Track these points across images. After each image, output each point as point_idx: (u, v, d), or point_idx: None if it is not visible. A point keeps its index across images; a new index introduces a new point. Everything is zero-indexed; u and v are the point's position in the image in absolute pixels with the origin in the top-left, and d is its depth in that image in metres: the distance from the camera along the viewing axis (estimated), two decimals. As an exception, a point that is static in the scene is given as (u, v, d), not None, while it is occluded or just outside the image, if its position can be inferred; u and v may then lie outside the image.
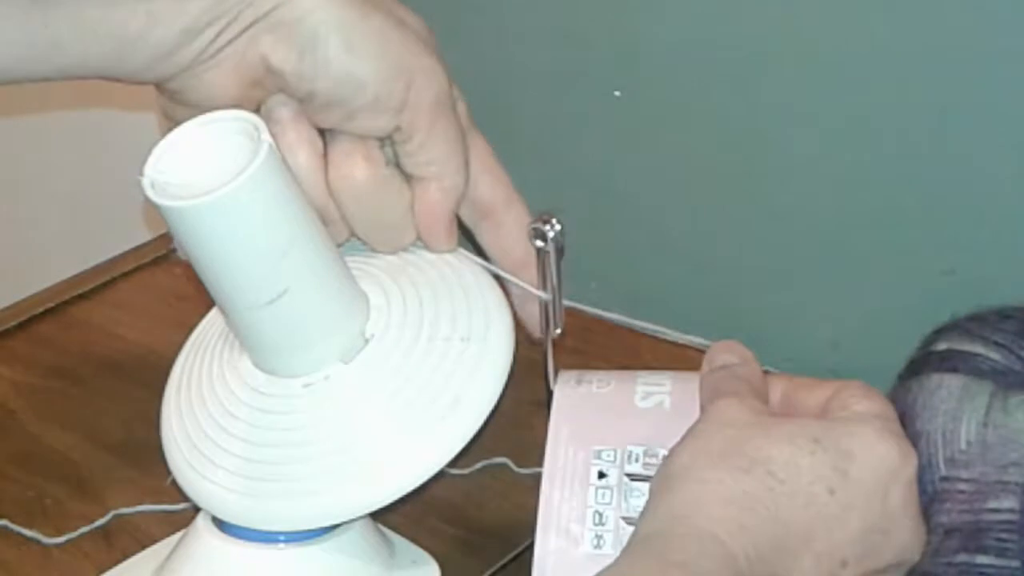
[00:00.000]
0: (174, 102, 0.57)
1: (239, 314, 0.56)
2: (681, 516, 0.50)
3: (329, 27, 0.54)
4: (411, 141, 0.57)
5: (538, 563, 0.54)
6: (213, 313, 0.64)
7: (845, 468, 0.52)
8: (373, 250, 0.60)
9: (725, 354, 0.58)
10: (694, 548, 0.49)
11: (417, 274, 0.60)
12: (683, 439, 0.53)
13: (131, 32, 0.54)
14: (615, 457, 0.55)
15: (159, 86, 0.57)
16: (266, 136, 0.53)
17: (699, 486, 0.51)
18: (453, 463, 0.62)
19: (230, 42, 0.55)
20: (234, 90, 0.56)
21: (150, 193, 0.52)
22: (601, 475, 0.55)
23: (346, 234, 0.59)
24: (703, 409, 0.55)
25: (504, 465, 0.71)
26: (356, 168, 0.57)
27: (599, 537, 0.54)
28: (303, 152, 0.56)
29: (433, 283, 0.60)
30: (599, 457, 0.56)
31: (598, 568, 0.49)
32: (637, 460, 0.55)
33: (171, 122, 0.57)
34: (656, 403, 0.57)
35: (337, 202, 0.58)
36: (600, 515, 0.55)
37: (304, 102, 0.56)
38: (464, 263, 0.62)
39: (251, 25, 0.54)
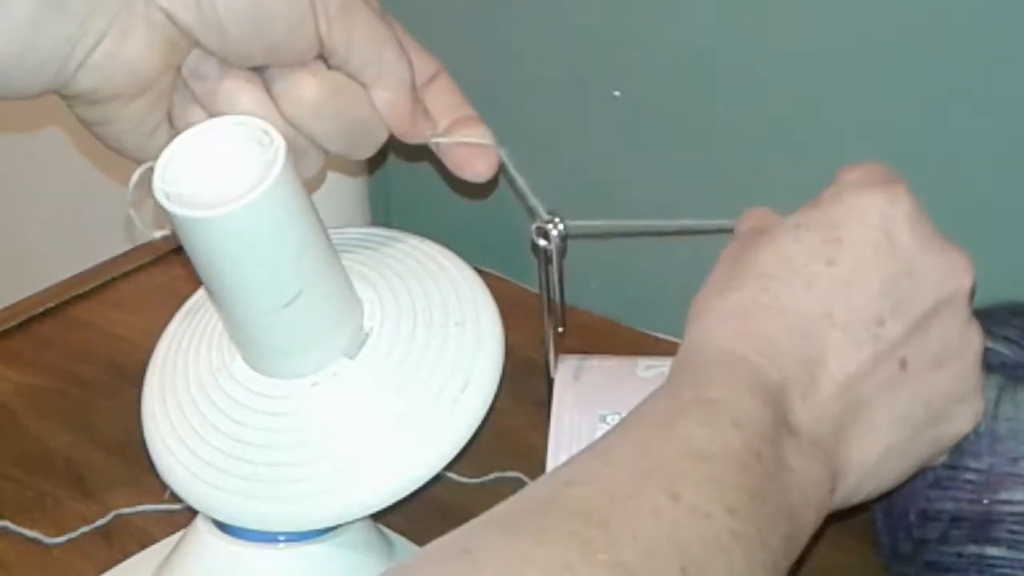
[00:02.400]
0: (92, 103, 0.56)
1: (252, 319, 0.56)
2: (687, 354, 0.50)
3: None
4: (337, 53, 0.55)
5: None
6: (175, 325, 0.64)
7: (836, 236, 0.50)
8: (354, 158, 0.59)
9: (748, 221, 0.57)
10: (704, 369, 0.48)
11: (398, 265, 0.61)
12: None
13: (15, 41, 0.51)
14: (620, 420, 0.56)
15: (67, 97, 0.55)
16: (279, 138, 0.53)
17: (699, 322, 0.51)
18: (463, 472, 0.63)
19: (123, 11, 0.52)
20: (156, 57, 0.54)
21: (167, 205, 0.52)
22: None
23: (322, 159, 0.58)
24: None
25: (516, 478, 0.70)
26: (303, 87, 0.55)
27: None
28: (245, 95, 0.55)
29: (416, 272, 0.61)
30: (604, 421, 0.56)
31: None
32: None
33: (105, 128, 0.57)
34: (658, 373, 0.58)
35: (301, 130, 0.56)
36: None
37: (222, 52, 0.54)
38: (437, 250, 0.63)
39: None
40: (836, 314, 0.49)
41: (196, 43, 0.54)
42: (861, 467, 0.50)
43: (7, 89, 0.54)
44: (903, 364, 0.50)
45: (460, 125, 0.59)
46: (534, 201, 0.60)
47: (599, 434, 0.55)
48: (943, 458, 0.53)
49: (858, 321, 0.49)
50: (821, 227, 0.51)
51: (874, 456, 0.50)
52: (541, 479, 0.46)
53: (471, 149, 0.59)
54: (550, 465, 0.56)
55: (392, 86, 0.56)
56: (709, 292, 0.52)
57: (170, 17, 0.53)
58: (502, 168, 0.60)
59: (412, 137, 0.58)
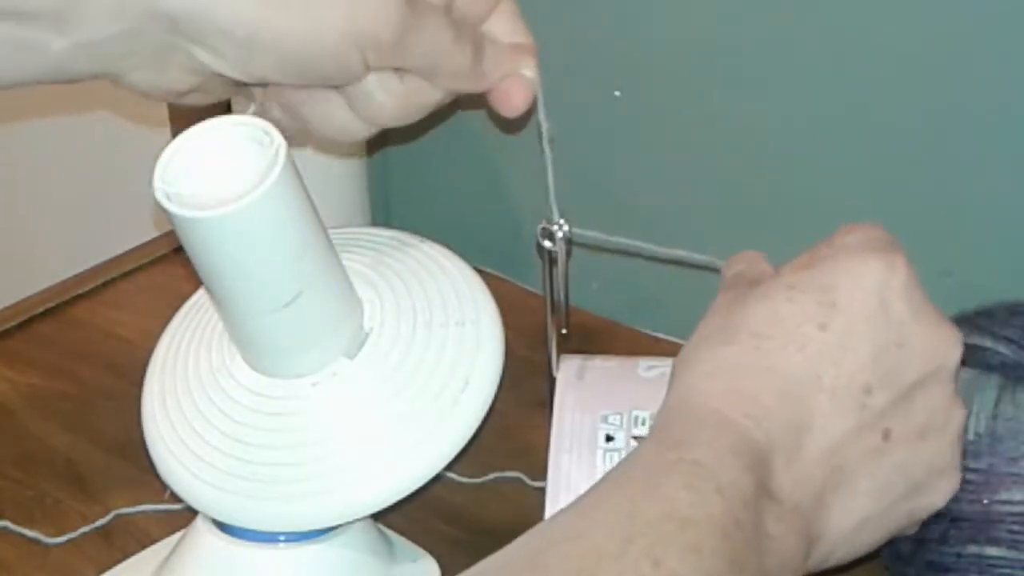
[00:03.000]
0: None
1: (252, 319, 0.56)
2: (673, 407, 0.49)
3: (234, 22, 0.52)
4: (396, 66, 0.56)
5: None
6: (175, 325, 0.64)
7: (831, 300, 0.50)
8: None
9: (736, 265, 0.57)
10: (691, 428, 0.48)
11: (397, 264, 0.61)
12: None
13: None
14: (622, 421, 0.56)
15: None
16: (279, 138, 0.53)
17: (688, 374, 0.50)
18: (463, 472, 0.63)
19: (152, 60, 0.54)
20: (186, 84, 0.55)
21: (168, 205, 0.52)
22: (609, 438, 0.55)
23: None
24: None
25: (516, 478, 0.70)
26: (377, 103, 0.56)
27: None
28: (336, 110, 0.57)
29: (415, 272, 0.61)
30: (606, 421, 0.56)
31: None
32: (644, 423, 0.55)
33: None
34: (659, 374, 0.58)
35: (376, 124, 0.58)
36: None
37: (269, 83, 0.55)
38: (437, 250, 0.63)
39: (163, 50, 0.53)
40: (825, 379, 0.49)
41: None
42: (837, 534, 0.50)
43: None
44: (887, 435, 0.50)
45: (512, 52, 0.59)
46: (553, 198, 0.60)
47: (600, 435, 0.55)
48: (914, 529, 0.53)
49: (846, 388, 0.49)
50: (816, 289, 0.50)
51: (851, 524, 0.50)
52: (534, 531, 0.46)
53: (511, 82, 0.59)
54: (551, 467, 0.56)
55: (453, 81, 0.57)
56: (699, 343, 0.51)
57: (213, 71, 0.54)
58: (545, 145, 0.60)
59: (509, 111, 0.59)
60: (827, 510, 0.49)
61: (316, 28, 0.52)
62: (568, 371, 0.59)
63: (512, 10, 0.60)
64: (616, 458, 0.55)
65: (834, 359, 0.49)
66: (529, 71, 0.59)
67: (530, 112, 0.60)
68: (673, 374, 0.51)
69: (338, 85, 0.56)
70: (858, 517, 0.50)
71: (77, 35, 0.52)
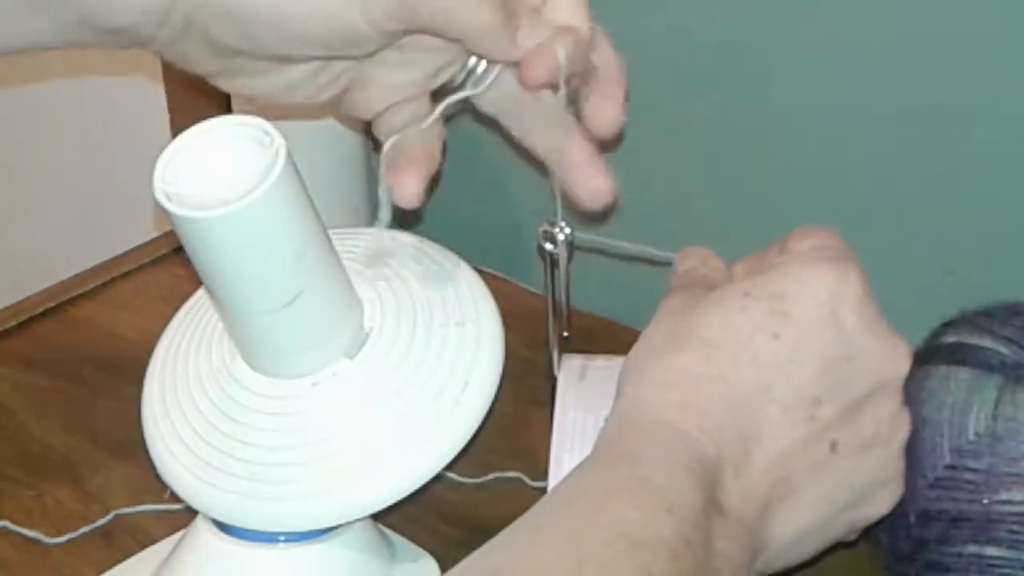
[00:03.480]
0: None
1: (252, 319, 0.56)
2: (628, 411, 0.49)
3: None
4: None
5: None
6: (175, 325, 0.64)
7: (784, 309, 0.50)
8: None
9: (687, 260, 0.57)
10: (643, 443, 0.47)
11: (396, 264, 0.61)
12: (635, 344, 0.53)
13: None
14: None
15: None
16: (279, 138, 0.53)
17: (640, 383, 0.50)
18: (463, 472, 0.62)
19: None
20: (215, 64, 0.55)
21: (168, 205, 0.52)
22: None
23: None
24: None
25: (516, 478, 0.70)
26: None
27: None
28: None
29: (415, 271, 0.61)
30: (607, 421, 0.56)
31: None
32: None
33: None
34: None
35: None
36: None
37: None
38: (437, 250, 0.63)
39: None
40: (775, 391, 0.49)
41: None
42: (780, 543, 0.50)
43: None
44: (834, 447, 0.50)
45: (556, 31, 0.57)
46: (558, 200, 0.60)
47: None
48: (854, 536, 0.54)
49: (796, 400, 0.49)
50: (769, 298, 0.50)
51: (794, 534, 0.50)
52: (492, 546, 0.46)
53: (538, 52, 0.56)
54: (552, 467, 0.56)
55: (478, 42, 0.55)
56: (648, 350, 0.51)
57: (232, 48, 0.54)
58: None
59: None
60: (771, 521, 0.49)
61: None
62: (570, 371, 0.59)
63: None
64: None
65: (785, 371, 0.49)
66: (561, 51, 0.56)
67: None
68: (622, 380, 0.51)
69: (353, 56, 0.55)
70: (801, 527, 0.50)
71: (109, 23, 0.52)
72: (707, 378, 0.49)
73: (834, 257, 0.51)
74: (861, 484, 0.51)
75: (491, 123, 0.61)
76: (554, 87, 0.56)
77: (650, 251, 0.61)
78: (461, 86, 0.59)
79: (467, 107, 0.60)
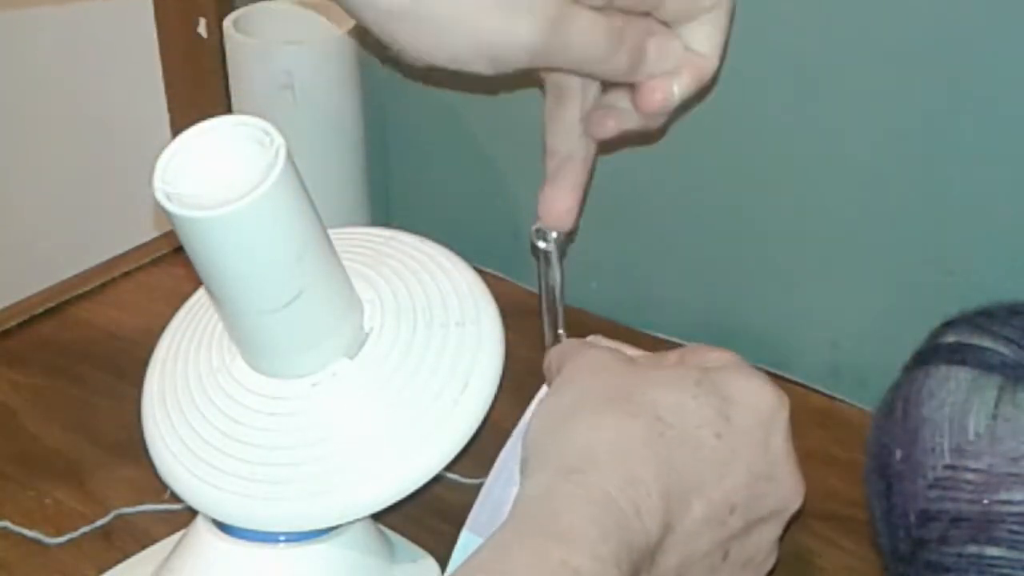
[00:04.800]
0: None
1: (251, 319, 0.56)
2: (570, 471, 0.48)
3: None
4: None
5: (476, 507, 0.56)
6: (175, 325, 0.64)
7: (728, 413, 0.51)
8: None
9: (577, 341, 0.58)
10: (579, 519, 0.47)
11: (396, 264, 0.61)
12: (556, 386, 0.53)
13: None
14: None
15: None
16: (279, 138, 0.53)
17: (588, 435, 0.50)
18: (463, 472, 0.62)
19: None
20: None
21: (168, 205, 0.52)
22: None
23: None
24: (560, 368, 0.55)
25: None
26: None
27: None
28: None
29: (415, 271, 0.61)
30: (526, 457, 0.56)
31: None
32: None
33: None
34: None
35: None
36: None
37: None
38: (437, 250, 0.63)
39: None
40: (706, 488, 0.50)
41: None
42: None
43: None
44: (726, 555, 0.51)
45: (683, 60, 0.56)
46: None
47: None
48: None
49: (719, 503, 0.50)
50: (718, 397, 0.51)
51: None
52: None
53: (657, 83, 0.56)
54: (506, 447, 0.56)
55: (606, 77, 0.56)
56: (594, 397, 0.51)
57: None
58: None
59: None
60: None
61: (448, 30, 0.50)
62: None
63: (719, 24, 0.56)
64: None
65: (719, 472, 0.50)
66: (678, 87, 0.56)
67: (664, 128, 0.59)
68: (556, 422, 0.51)
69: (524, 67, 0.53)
70: None
71: None
72: (655, 456, 0.49)
73: (767, 379, 0.53)
74: None
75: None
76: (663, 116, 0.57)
77: (558, 312, 0.61)
78: None
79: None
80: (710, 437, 0.50)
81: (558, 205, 0.59)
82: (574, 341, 0.58)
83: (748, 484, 0.51)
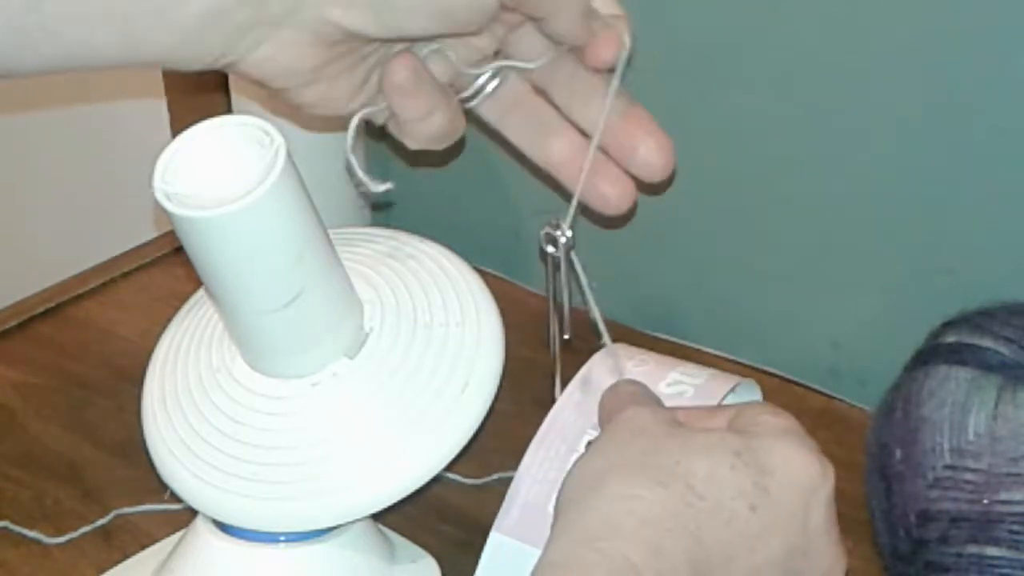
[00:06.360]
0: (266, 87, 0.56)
1: (251, 319, 0.56)
2: (593, 539, 0.47)
3: None
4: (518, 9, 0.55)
5: (505, 508, 0.55)
6: (175, 325, 0.65)
7: (766, 484, 0.49)
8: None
9: (626, 387, 0.56)
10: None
11: (397, 264, 0.61)
12: (593, 447, 0.51)
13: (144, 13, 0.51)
14: None
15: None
16: (279, 138, 0.53)
17: (615, 503, 0.48)
18: (463, 472, 0.62)
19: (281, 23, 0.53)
20: (318, 57, 0.54)
21: (167, 205, 0.52)
22: (589, 444, 0.55)
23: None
24: (607, 421, 0.54)
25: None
26: None
27: None
28: None
29: (415, 272, 0.61)
30: (595, 428, 0.56)
31: None
32: None
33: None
34: (678, 392, 0.57)
35: None
36: None
37: (394, 38, 0.55)
38: (437, 250, 0.63)
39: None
40: (738, 563, 0.48)
41: (365, 39, 0.54)
42: None
43: (168, 66, 0.54)
44: None
45: (613, 19, 0.59)
46: (575, 203, 0.60)
47: (584, 439, 0.55)
48: None
49: None
50: (756, 467, 0.49)
51: None
52: None
53: (608, 35, 0.58)
54: (528, 452, 0.56)
55: (567, 22, 0.56)
56: (625, 465, 0.49)
57: (345, 28, 0.53)
58: None
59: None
60: None
61: None
62: (594, 365, 0.59)
63: None
64: None
65: (751, 545, 0.48)
66: (625, 36, 0.58)
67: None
68: (587, 487, 0.49)
69: (471, 32, 0.55)
70: None
71: (202, 2, 0.51)
72: (682, 528, 0.48)
73: (817, 449, 0.51)
74: None
75: (493, 134, 0.62)
76: (612, 70, 0.58)
77: (596, 317, 0.60)
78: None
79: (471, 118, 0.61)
80: (744, 509, 0.48)
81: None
82: (624, 391, 0.55)
83: (782, 559, 0.49)
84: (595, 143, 0.59)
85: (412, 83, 0.56)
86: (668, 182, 0.61)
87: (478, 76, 0.59)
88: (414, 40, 0.56)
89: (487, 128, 0.61)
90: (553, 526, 0.49)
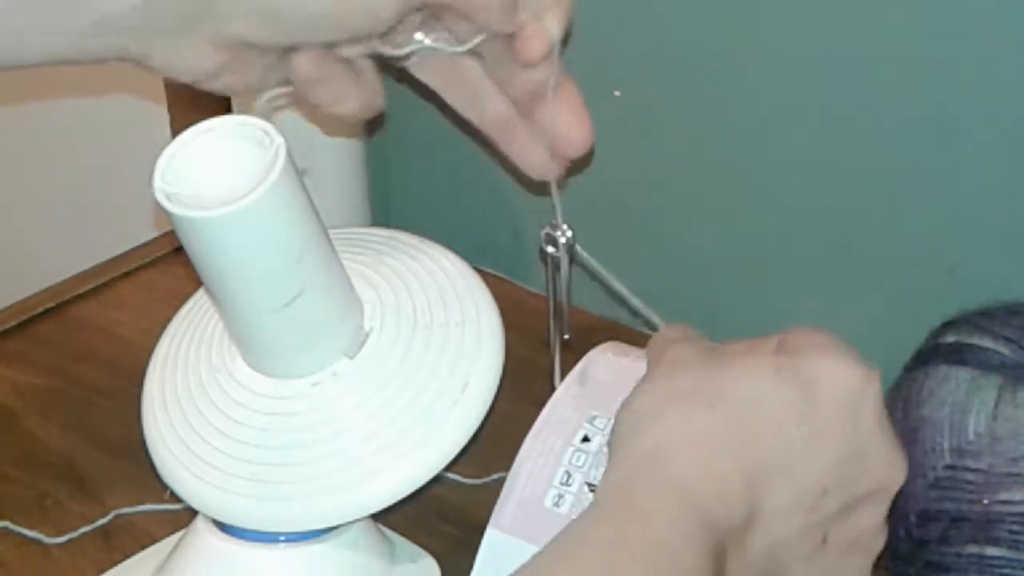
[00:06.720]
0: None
1: (252, 319, 0.56)
2: (646, 459, 0.49)
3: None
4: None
5: (500, 504, 0.55)
6: (175, 325, 0.64)
7: (812, 393, 0.50)
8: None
9: (673, 333, 0.57)
10: (658, 500, 0.47)
11: (397, 264, 0.61)
12: (641, 385, 0.52)
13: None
14: (605, 425, 0.56)
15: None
16: (279, 138, 0.53)
17: (664, 426, 0.50)
18: (463, 472, 0.62)
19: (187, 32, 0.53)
20: (217, 62, 0.55)
21: (168, 205, 0.52)
22: (585, 439, 0.56)
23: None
24: (655, 364, 0.54)
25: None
26: None
27: (560, 496, 0.55)
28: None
29: (415, 271, 0.61)
30: (591, 422, 0.56)
31: (552, 523, 0.48)
32: None
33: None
34: None
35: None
36: (568, 475, 0.55)
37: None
38: (437, 250, 0.63)
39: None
40: (793, 471, 0.49)
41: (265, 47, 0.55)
42: None
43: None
44: (825, 539, 0.50)
45: (545, 5, 0.58)
46: (558, 203, 0.60)
47: (579, 433, 0.55)
48: None
49: (809, 485, 0.49)
50: (800, 379, 0.50)
51: None
52: None
53: (534, 29, 0.57)
54: (524, 447, 0.56)
55: (486, 15, 0.56)
56: (673, 392, 0.51)
57: (245, 39, 0.54)
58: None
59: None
60: None
61: None
62: (593, 359, 0.59)
63: None
64: (583, 459, 0.55)
65: (805, 454, 0.49)
66: (553, 27, 0.57)
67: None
68: (637, 420, 0.50)
69: (378, 35, 0.55)
70: None
71: (100, 8, 0.52)
72: (732, 444, 0.49)
73: (858, 356, 0.51)
74: None
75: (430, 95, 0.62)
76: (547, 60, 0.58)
77: (638, 304, 0.60)
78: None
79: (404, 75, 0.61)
80: (793, 419, 0.49)
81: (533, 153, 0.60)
82: (670, 333, 0.56)
83: (839, 465, 0.49)
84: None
85: (318, 73, 0.56)
86: (588, 158, 0.62)
87: (399, 56, 0.59)
88: (308, 46, 0.56)
89: (424, 88, 0.62)
90: (608, 461, 0.51)
